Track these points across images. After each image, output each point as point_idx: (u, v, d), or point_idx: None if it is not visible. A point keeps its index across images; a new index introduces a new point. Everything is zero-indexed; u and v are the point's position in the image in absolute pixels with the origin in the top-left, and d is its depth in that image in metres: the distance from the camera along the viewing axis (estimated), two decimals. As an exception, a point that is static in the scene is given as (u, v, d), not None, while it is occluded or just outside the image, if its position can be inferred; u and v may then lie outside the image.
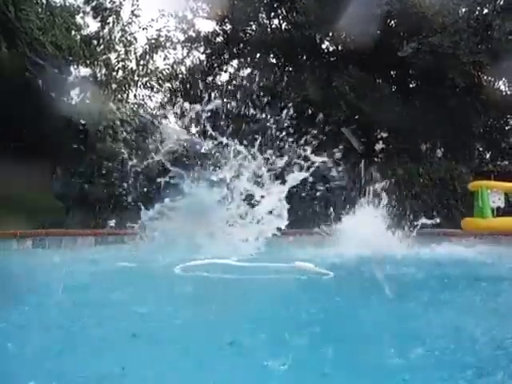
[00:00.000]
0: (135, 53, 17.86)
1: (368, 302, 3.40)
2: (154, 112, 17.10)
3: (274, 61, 14.90)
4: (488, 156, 15.28)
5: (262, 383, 1.96)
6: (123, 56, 17.67)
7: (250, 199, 6.91)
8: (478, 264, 5.69)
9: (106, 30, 16.89)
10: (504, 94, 13.67)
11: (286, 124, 7.79)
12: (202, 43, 15.59)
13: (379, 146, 15.97)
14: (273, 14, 14.44)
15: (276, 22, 14.69)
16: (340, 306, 3.33)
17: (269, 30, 14.05)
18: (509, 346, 2.41)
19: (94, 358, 2.22)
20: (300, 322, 2.84)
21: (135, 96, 18.79)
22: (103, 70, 17.48)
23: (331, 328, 2.75)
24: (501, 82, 13.94)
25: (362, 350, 2.30)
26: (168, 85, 17.10)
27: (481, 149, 15.04)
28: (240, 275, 4.38)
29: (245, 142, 7.24)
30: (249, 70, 15.40)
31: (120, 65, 17.73)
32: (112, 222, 10.73)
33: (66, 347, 2.37)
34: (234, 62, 15.94)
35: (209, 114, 7.99)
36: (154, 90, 17.87)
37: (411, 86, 14.22)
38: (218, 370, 2.06)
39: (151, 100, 18.43)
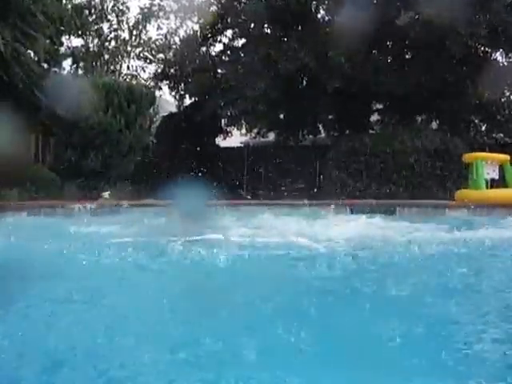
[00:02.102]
0: (128, 23, 17.60)
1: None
2: (148, 83, 16.90)
3: (268, 31, 14.68)
4: (483, 128, 15.21)
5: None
6: (115, 26, 17.42)
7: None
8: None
9: (97, 0, 16.60)
10: (501, 65, 13.56)
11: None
12: (196, 13, 15.32)
13: (374, 117, 15.93)
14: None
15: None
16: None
17: (263, -1, 13.80)
18: None
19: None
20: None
21: (128, 67, 18.59)
22: (95, 41, 17.23)
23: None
24: (498, 54, 13.82)
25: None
26: (161, 55, 16.85)
27: (476, 121, 14.96)
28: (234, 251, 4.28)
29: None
30: (243, 41, 15.19)
31: (112, 35, 17.49)
32: (106, 194, 10.74)
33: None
34: (229, 33, 15.71)
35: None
36: (148, 60, 17.66)
37: (407, 57, 14.07)
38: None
39: (144, 71, 18.23)
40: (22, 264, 3.59)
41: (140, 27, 17.53)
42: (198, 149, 16.15)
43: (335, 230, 5.40)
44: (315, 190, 13.17)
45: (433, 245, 4.41)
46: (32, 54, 11.60)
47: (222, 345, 2.01)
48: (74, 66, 17.17)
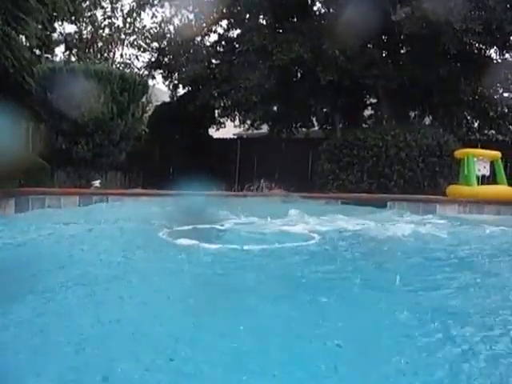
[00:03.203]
0: (122, 10, 17.48)
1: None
2: (141, 72, 16.79)
3: (263, 22, 14.59)
4: (476, 125, 15.24)
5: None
6: (109, 13, 17.29)
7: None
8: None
9: (91, -15, 16.44)
10: (495, 62, 13.55)
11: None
12: (191, 1, 15.18)
13: (368, 112, 15.93)
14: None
15: (267, -19, 14.32)
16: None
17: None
18: None
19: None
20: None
21: (122, 55, 18.48)
22: (89, 28, 17.10)
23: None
24: (492, 51, 13.81)
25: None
26: (155, 44, 16.73)
27: (469, 117, 14.98)
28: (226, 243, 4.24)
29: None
30: (239, 31, 15.08)
31: (106, 22, 17.37)
32: (97, 182, 10.67)
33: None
34: (224, 23, 15.60)
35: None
36: (141, 49, 17.54)
37: (402, 51, 14.04)
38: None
39: (138, 60, 18.12)
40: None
41: (134, 15, 17.41)
42: (191, 139, 16.10)
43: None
44: (307, 182, 13.16)
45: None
46: (24, 40, 11.49)
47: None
48: (67, 52, 17.05)
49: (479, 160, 9.44)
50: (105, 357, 1.82)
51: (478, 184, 9.37)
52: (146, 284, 2.81)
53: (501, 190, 9.21)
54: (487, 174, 9.60)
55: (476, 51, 13.40)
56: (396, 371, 1.76)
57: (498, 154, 9.69)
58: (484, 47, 13.47)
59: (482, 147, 11.09)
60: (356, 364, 1.80)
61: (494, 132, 15.09)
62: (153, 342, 1.97)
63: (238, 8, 14.34)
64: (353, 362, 1.81)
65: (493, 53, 13.84)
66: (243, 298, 2.50)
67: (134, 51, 18.03)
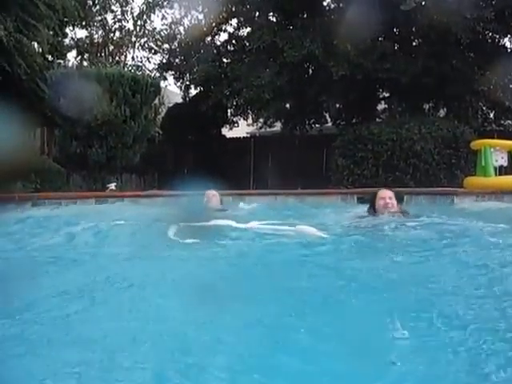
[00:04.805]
0: (132, 13, 17.54)
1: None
2: (153, 74, 16.84)
3: (273, 19, 14.54)
4: (491, 115, 15.04)
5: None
6: (120, 16, 17.37)
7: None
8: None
9: (101, -10, 16.52)
10: (509, 51, 13.36)
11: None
12: (200, 2, 15.19)
13: (381, 106, 15.79)
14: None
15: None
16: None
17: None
18: None
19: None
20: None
21: (133, 58, 18.55)
22: (100, 32, 17.19)
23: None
24: (506, 39, 13.61)
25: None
26: (166, 46, 16.77)
27: (484, 108, 14.79)
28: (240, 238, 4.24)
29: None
30: (248, 29, 15.05)
31: (117, 25, 17.44)
32: (112, 185, 10.71)
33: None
34: (233, 21, 15.58)
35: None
36: (152, 51, 17.60)
37: (414, 44, 13.90)
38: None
39: (149, 62, 18.18)
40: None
41: (144, 17, 17.46)
42: (204, 139, 16.12)
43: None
44: (322, 178, 13.11)
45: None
46: (36, 46, 11.58)
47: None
48: (79, 57, 17.16)
49: (496, 150, 9.27)
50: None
51: (496, 175, 9.21)
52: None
53: (520, 180, 9.04)
54: (505, 164, 9.43)
55: (489, 41, 13.22)
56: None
57: (515, 143, 9.52)
58: (497, 36, 13.28)
59: (499, 138, 10.93)
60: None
61: (510, 122, 14.89)
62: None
63: (248, 6, 14.32)
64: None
65: (507, 41, 13.66)
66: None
67: (145, 53, 18.11)
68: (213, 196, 5.61)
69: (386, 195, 5.18)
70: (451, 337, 1.97)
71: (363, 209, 5.57)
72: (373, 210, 5.23)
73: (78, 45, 16.69)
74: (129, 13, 17.65)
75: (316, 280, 2.92)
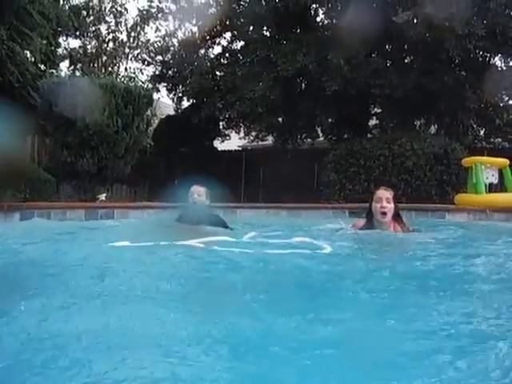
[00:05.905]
0: (126, 24, 17.56)
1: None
2: (146, 85, 16.82)
3: (267, 33, 14.62)
4: (482, 133, 15.17)
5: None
6: (113, 27, 17.38)
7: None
8: None
9: (95, 0, 16.53)
10: (500, 70, 13.51)
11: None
12: (194, 15, 15.25)
13: (373, 121, 15.87)
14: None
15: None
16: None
17: (263, 1, 13.73)
18: None
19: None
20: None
21: (126, 69, 18.54)
22: (93, 42, 17.18)
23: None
24: (497, 58, 13.78)
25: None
26: (159, 57, 16.79)
27: (475, 125, 14.91)
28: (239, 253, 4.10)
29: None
30: (242, 43, 15.12)
31: (110, 36, 17.45)
32: (103, 196, 10.62)
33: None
34: (227, 35, 15.66)
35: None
36: (146, 62, 17.59)
37: (406, 61, 14.02)
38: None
39: (142, 73, 18.18)
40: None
41: (138, 29, 17.49)
42: (196, 151, 16.09)
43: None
44: (313, 193, 13.09)
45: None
46: (28, 55, 11.54)
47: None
48: (72, 67, 17.13)
49: (487, 168, 9.33)
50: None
51: (487, 192, 9.25)
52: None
53: (510, 197, 9.08)
54: (495, 181, 9.48)
55: (480, 59, 13.38)
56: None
57: (506, 161, 9.56)
58: (488, 55, 13.44)
59: (489, 155, 11.00)
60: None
61: (500, 140, 15.02)
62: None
63: (242, 20, 14.39)
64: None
65: (497, 60, 13.83)
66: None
67: (139, 65, 18.11)
68: (199, 191, 5.41)
69: (383, 196, 4.62)
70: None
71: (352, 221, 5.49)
72: (370, 216, 4.73)
73: (72, 54, 16.65)
74: (123, 24, 17.70)
75: (315, 291, 2.89)
